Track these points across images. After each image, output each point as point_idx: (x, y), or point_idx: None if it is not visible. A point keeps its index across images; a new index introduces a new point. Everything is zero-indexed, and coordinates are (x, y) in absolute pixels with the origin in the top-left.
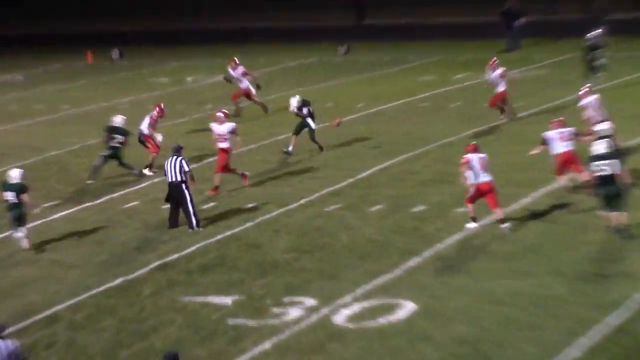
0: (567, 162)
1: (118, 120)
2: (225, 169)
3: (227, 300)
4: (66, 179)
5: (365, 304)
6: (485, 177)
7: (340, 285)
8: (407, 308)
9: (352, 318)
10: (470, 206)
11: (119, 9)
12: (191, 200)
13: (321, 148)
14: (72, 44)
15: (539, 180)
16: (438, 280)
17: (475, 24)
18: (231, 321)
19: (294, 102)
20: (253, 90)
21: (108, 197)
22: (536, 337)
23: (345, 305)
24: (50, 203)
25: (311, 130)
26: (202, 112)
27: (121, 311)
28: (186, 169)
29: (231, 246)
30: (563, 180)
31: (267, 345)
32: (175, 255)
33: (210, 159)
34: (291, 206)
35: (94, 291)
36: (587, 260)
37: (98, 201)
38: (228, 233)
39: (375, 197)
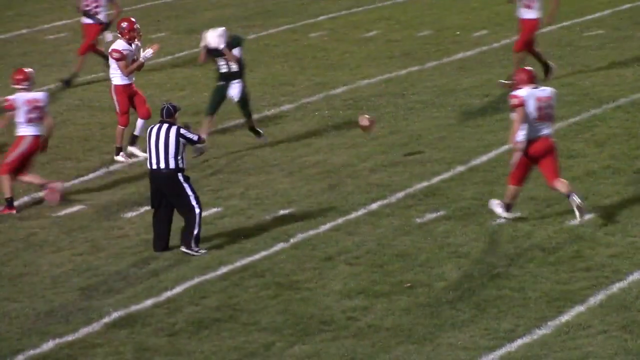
0: None
1: None
2: None
3: None
4: None
5: None
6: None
7: (439, 355)
8: None
9: None
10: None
11: None
12: (196, 199)
13: (257, 133)
14: None
15: None
16: (615, 345)
17: None
18: None
19: (215, 35)
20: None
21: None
22: None
23: None
24: None
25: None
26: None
27: None
28: (190, 141)
29: (247, 286)
30: None
31: None
32: (150, 302)
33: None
34: (354, 214)
35: None
36: None
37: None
38: (242, 262)
39: (504, 198)
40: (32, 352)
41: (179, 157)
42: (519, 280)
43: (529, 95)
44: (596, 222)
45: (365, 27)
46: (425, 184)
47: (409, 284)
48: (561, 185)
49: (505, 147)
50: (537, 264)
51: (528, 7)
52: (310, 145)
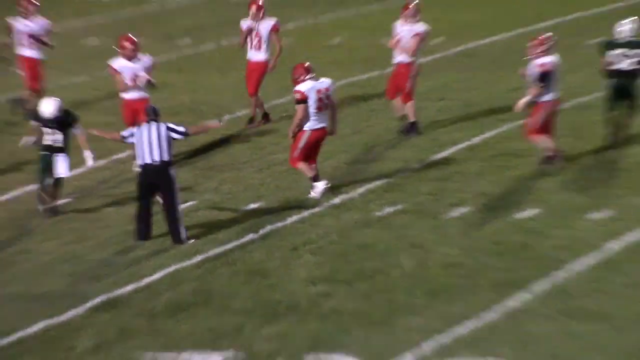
0: None
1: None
2: None
3: (215, 359)
4: None
5: None
6: (324, 121)
7: (396, 337)
8: None
9: None
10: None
11: None
12: (177, 194)
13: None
14: None
15: None
16: (557, 329)
17: None
18: None
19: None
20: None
21: (20, 190)
22: None
23: None
24: None
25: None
26: (175, 51)
27: None
28: (179, 133)
29: (220, 273)
30: None
31: None
32: (131, 287)
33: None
34: (318, 209)
35: (1, 343)
36: None
37: (2, 198)
38: (215, 251)
39: (457, 193)
40: (21, 333)
41: (170, 151)
42: (470, 269)
43: (310, 88)
44: (541, 216)
45: (330, 34)
46: (384, 180)
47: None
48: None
49: (459, 146)
50: (486, 254)
51: (258, 49)
52: (279, 144)
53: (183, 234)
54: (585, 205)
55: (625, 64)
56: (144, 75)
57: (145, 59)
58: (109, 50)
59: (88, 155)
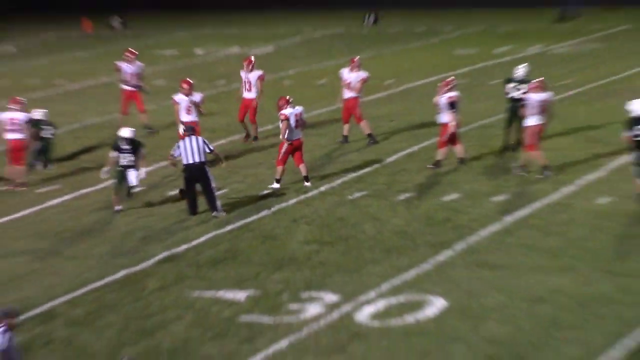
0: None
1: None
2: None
3: (240, 296)
4: (62, 162)
5: (391, 300)
6: (300, 134)
7: (363, 280)
8: (436, 305)
9: (376, 316)
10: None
11: None
12: (213, 182)
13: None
14: (69, 10)
15: (584, 168)
16: (471, 275)
17: None
18: (244, 318)
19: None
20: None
21: (108, 183)
22: (577, 339)
23: (368, 302)
24: (45, 189)
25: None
26: (214, 89)
27: (124, 307)
28: (209, 148)
29: (244, 237)
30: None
31: (283, 344)
32: (184, 247)
33: (223, 141)
34: (310, 194)
35: (95, 285)
36: (636, 255)
37: (98, 187)
38: (241, 223)
39: (403, 184)
40: (109, 278)
41: (205, 155)
42: (411, 235)
43: (290, 113)
44: (459, 199)
45: (319, 77)
46: (354, 174)
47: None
48: (302, 168)
49: (403, 152)
50: (423, 224)
51: (249, 90)
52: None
53: (219, 206)
54: (490, 191)
55: (517, 94)
56: (197, 103)
57: (197, 95)
58: (173, 89)
59: (143, 170)
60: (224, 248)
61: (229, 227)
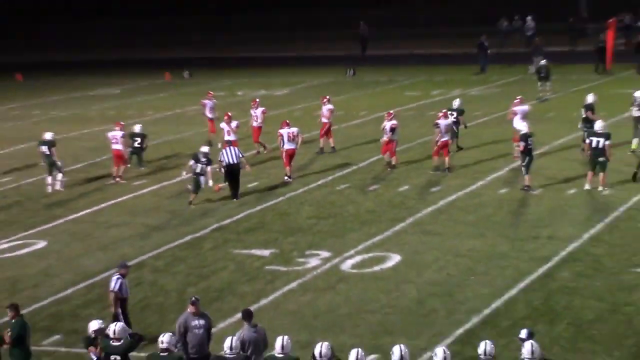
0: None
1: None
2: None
3: (266, 252)
4: (151, 164)
5: (364, 256)
6: (292, 144)
7: (346, 243)
8: (394, 259)
9: (355, 266)
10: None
11: (191, 40)
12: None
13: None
14: (156, 66)
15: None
16: (417, 239)
17: (449, 54)
18: (268, 268)
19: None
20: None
21: (180, 178)
22: (487, 281)
23: (350, 257)
24: (138, 182)
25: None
26: (248, 117)
27: (189, 260)
28: (241, 154)
29: (268, 214)
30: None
31: (293, 285)
32: (228, 220)
33: (249, 153)
34: (312, 185)
35: (170, 245)
36: (524, 225)
37: (173, 181)
38: (266, 205)
39: (373, 180)
40: (179, 241)
41: (239, 158)
42: (379, 213)
43: (284, 131)
44: (409, 189)
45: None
46: (340, 173)
47: None
48: (288, 168)
49: (370, 160)
50: (386, 207)
51: (256, 121)
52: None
53: (238, 195)
54: (429, 185)
55: (451, 119)
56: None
57: (234, 123)
58: (221, 119)
59: (210, 179)
60: (255, 221)
61: (258, 207)
